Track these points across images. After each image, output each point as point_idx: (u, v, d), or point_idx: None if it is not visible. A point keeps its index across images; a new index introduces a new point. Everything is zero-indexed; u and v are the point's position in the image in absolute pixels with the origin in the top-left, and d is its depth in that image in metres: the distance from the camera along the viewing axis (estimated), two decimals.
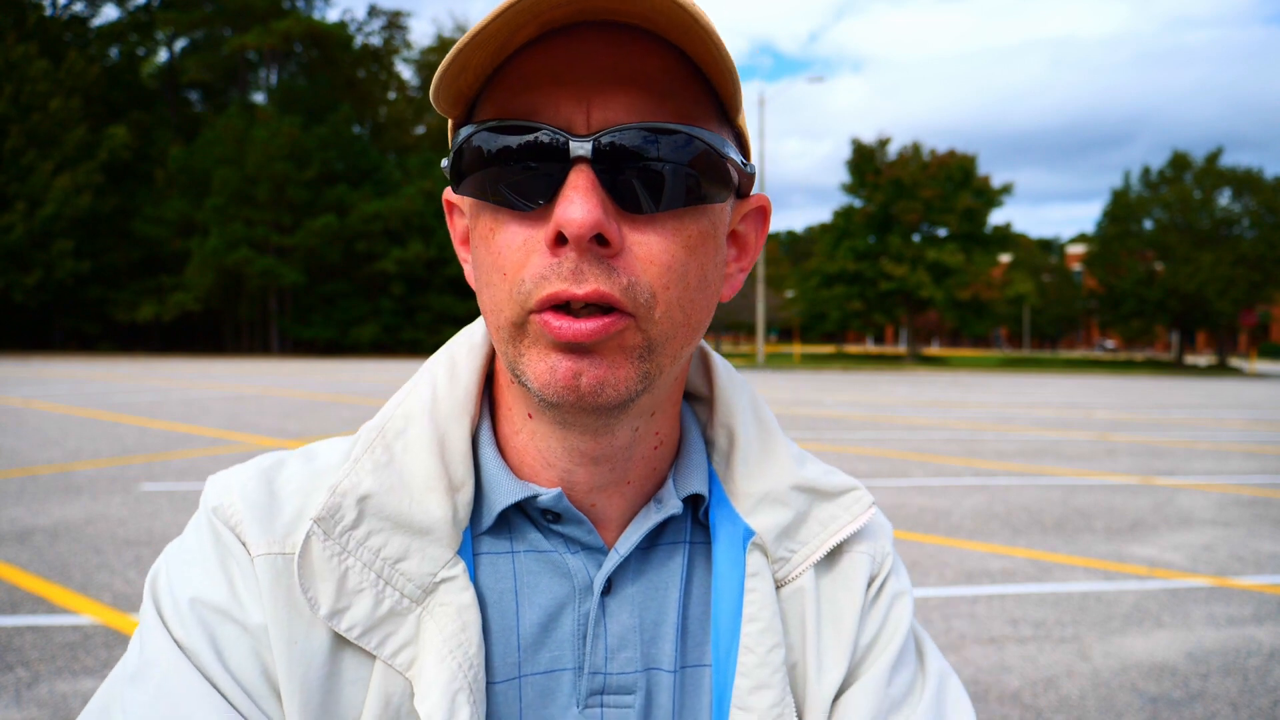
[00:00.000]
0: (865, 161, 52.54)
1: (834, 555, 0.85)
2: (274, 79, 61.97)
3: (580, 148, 0.66)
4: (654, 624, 0.81)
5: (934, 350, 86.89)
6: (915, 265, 49.60)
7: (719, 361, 0.90)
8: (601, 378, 0.69)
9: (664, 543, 0.83)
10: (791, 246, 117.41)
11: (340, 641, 0.72)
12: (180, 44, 62.65)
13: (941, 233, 51.52)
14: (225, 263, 49.11)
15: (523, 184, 0.68)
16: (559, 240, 0.67)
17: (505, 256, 0.69)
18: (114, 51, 58.46)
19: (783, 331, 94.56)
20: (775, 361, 47.75)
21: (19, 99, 48.23)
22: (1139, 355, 74.75)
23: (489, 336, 0.84)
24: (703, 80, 0.70)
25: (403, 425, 0.79)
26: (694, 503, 0.84)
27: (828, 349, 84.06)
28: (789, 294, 62.66)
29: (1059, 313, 78.84)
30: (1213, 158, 49.63)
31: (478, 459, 0.81)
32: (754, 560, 0.81)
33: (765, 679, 0.77)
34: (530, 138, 0.67)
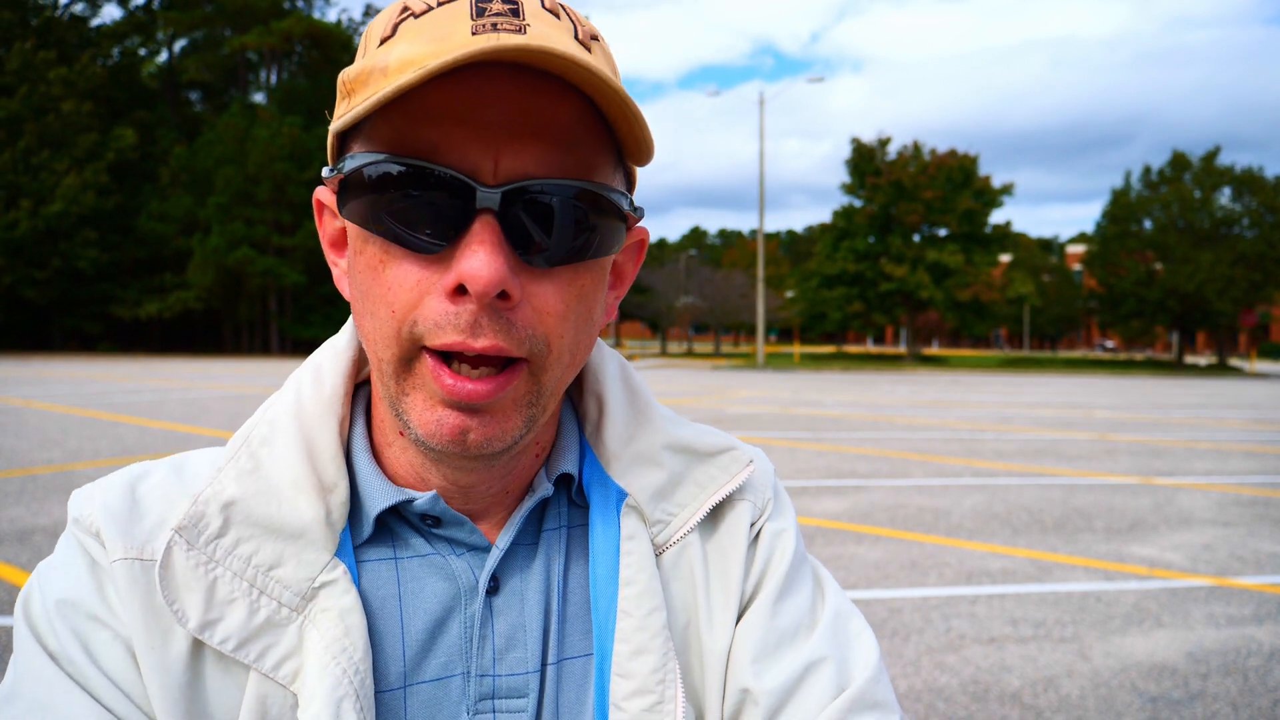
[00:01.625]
0: (865, 162, 52.53)
1: (717, 513, 0.83)
2: (274, 79, 61.98)
3: (488, 198, 0.64)
4: (542, 618, 0.79)
5: (934, 350, 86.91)
6: (915, 266, 49.59)
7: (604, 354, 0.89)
8: (489, 435, 0.69)
9: (546, 530, 0.81)
10: (791, 247, 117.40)
11: (201, 648, 0.69)
12: (180, 44, 62.68)
13: (942, 233, 51.53)
14: (226, 262, 49.15)
15: (420, 225, 0.66)
16: (459, 290, 0.65)
17: (395, 294, 0.67)
18: (115, 52, 58.49)
19: (783, 332, 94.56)
20: (775, 362, 47.75)
21: (32, 100, 48.42)
22: (1139, 355, 74.75)
23: (354, 344, 0.82)
24: (604, 126, 0.69)
25: (267, 432, 0.78)
26: (567, 483, 0.83)
27: (828, 349, 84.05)
28: (789, 294, 62.65)
29: (1059, 313, 78.88)
30: (1210, 157, 49.60)
31: (352, 466, 0.79)
32: (629, 523, 0.79)
33: (644, 643, 0.75)
34: (432, 179, 0.65)
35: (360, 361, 0.83)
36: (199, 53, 61.64)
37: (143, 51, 60.67)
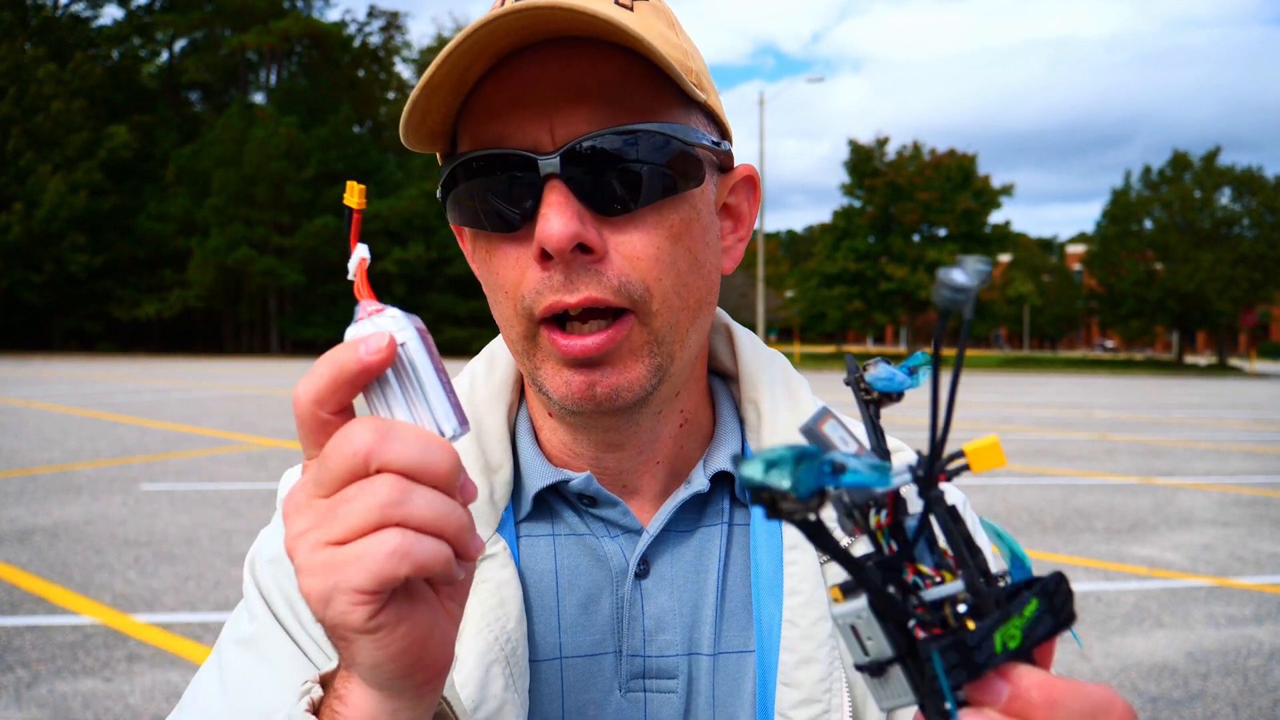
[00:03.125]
0: (863, 163, 52.54)
1: None
2: (274, 79, 61.98)
3: (549, 164, 0.70)
4: (694, 607, 0.81)
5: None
6: (916, 266, 49.61)
7: (743, 338, 0.91)
8: (615, 385, 0.73)
9: (704, 525, 0.84)
10: (791, 246, 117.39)
11: None
12: (180, 44, 62.67)
13: (941, 233, 51.53)
14: (226, 262, 49.13)
15: (504, 207, 0.72)
16: (544, 256, 0.70)
17: (503, 276, 0.74)
18: (115, 53, 58.48)
19: (783, 331, 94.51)
20: None
21: (23, 100, 48.32)
22: (1139, 355, 74.75)
23: None
24: (658, 72, 0.72)
25: None
26: (729, 482, 0.85)
27: (828, 349, 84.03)
28: (789, 294, 62.64)
29: (1059, 313, 78.89)
30: (1210, 157, 49.60)
31: (516, 447, 0.84)
32: (791, 532, 0.81)
33: (811, 653, 0.77)
34: (502, 162, 0.71)
35: None
36: (199, 53, 61.62)
37: (143, 52, 60.66)
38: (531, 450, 0.83)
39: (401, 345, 0.55)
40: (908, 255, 50.08)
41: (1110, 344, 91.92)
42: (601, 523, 0.82)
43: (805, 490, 0.35)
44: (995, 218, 52.15)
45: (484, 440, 0.82)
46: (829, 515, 0.43)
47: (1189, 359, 62.52)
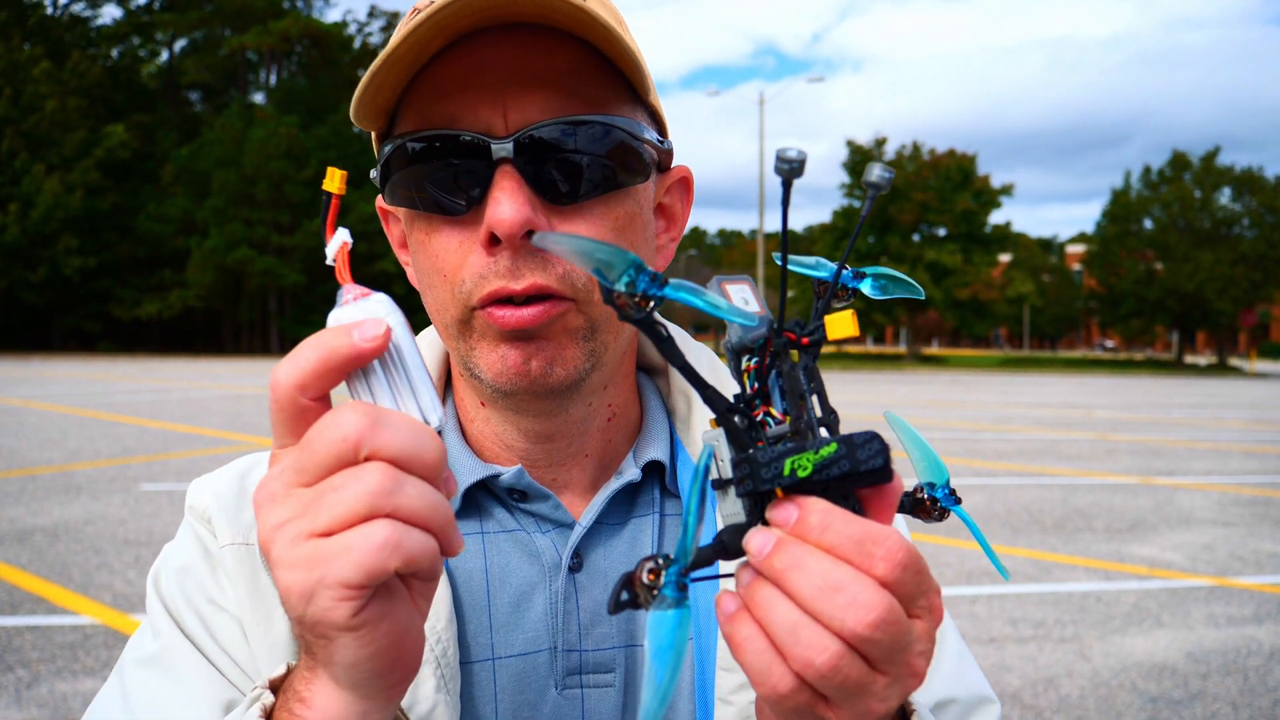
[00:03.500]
0: (862, 163, 52.52)
1: None
2: (274, 79, 61.98)
3: (501, 149, 0.69)
4: None
5: (934, 350, 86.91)
6: (914, 265, 49.59)
7: (672, 330, 0.91)
8: (550, 359, 0.73)
9: (636, 516, 0.83)
10: (791, 247, 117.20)
11: None
12: (180, 44, 62.68)
13: (941, 233, 51.53)
14: (226, 262, 49.13)
15: (451, 190, 0.71)
16: (493, 240, 0.70)
17: (443, 259, 0.73)
18: (115, 52, 58.48)
19: None
20: None
21: (19, 100, 48.27)
22: (1139, 355, 74.73)
23: None
24: (611, 67, 0.73)
25: None
26: (659, 472, 0.85)
27: (828, 349, 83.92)
28: (789, 294, 62.64)
29: (1059, 312, 78.85)
30: (1210, 157, 49.61)
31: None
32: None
33: None
34: (453, 145, 0.70)
35: None
36: (198, 53, 61.62)
37: (142, 52, 60.65)
38: (459, 447, 0.82)
39: (390, 331, 0.54)
40: (905, 255, 50.07)
41: (1110, 344, 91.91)
42: (532, 518, 0.81)
43: (631, 289, 0.43)
44: (995, 218, 52.13)
45: None
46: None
47: (1189, 359, 62.52)
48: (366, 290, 0.55)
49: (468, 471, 0.80)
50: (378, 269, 52.17)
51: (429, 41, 0.68)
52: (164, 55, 63.04)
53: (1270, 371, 49.14)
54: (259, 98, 62.31)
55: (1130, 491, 9.54)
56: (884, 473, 0.48)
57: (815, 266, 0.57)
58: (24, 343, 54.17)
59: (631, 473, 0.82)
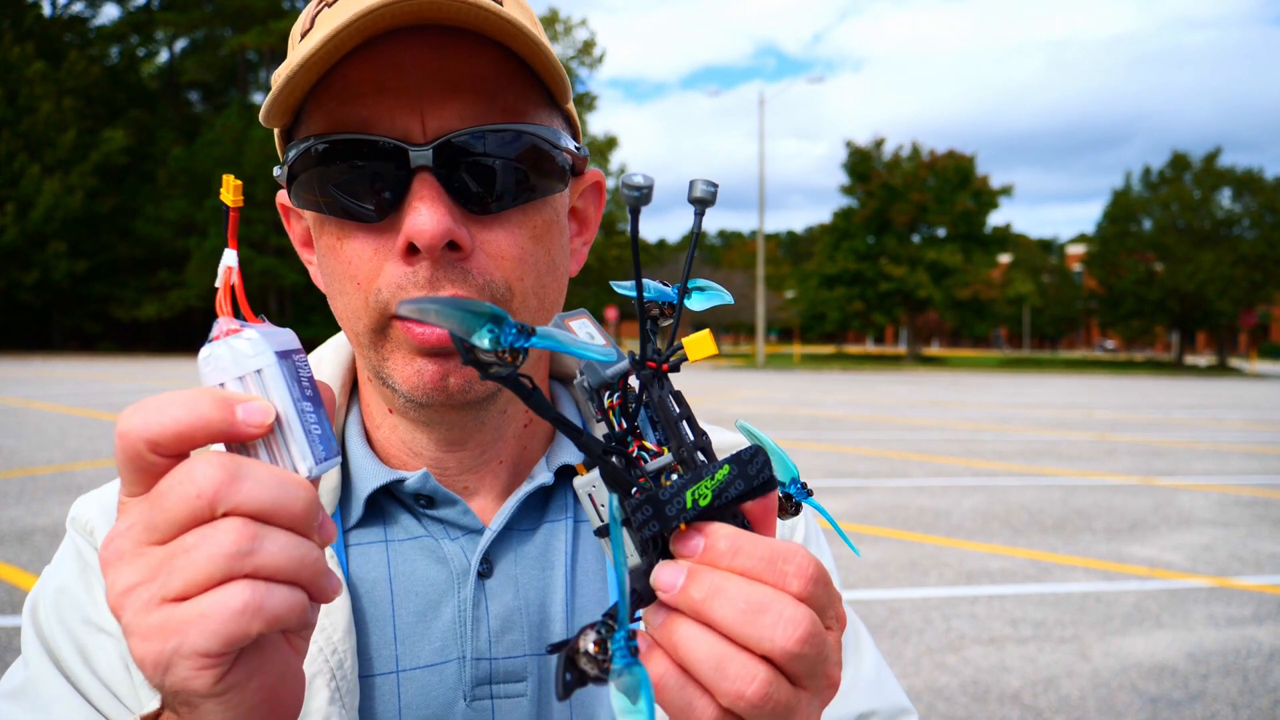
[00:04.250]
0: (861, 164, 52.56)
1: None
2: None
3: (420, 156, 0.67)
4: (540, 605, 0.78)
5: (934, 350, 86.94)
6: (914, 266, 49.61)
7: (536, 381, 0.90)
8: (469, 374, 0.71)
9: (548, 520, 0.81)
10: (791, 247, 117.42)
11: None
12: (180, 44, 62.70)
13: (940, 233, 51.54)
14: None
15: (365, 196, 0.68)
16: (410, 250, 0.67)
17: (356, 266, 0.70)
18: (115, 52, 58.50)
19: (783, 332, 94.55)
20: (775, 362, 47.74)
21: (15, 101, 48.26)
22: (1139, 355, 74.77)
23: None
24: (527, 71, 0.71)
25: None
26: (573, 477, 0.82)
27: (828, 349, 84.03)
28: (789, 294, 62.65)
29: (1059, 313, 78.86)
30: (1210, 158, 49.63)
31: (345, 450, 0.81)
32: None
33: None
34: (368, 149, 0.67)
35: None
36: (199, 53, 61.63)
37: (142, 52, 60.67)
38: (363, 451, 0.79)
39: (258, 373, 0.49)
40: (902, 255, 50.08)
41: (1110, 344, 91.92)
42: (440, 524, 0.79)
43: (495, 344, 0.40)
44: (995, 218, 52.21)
45: None
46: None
47: (1189, 359, 62.51)
48: (237, 325, 0.51)
49: (371, 476, 0.77)
50: None
51: (345, 41, 0.65)
52: (164, 55, 63.08)
53: (1270, 372, 49.14)
54: (259, 98, 62.31)
55: (1130, 492, 9.53)
56: (772, 483, 0.48)
57: (635, 289, 0.55)
58: (24, 343, 54.18)
59: (544, 477, 0.80)
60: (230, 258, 0.53)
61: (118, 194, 51.71)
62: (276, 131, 0.74)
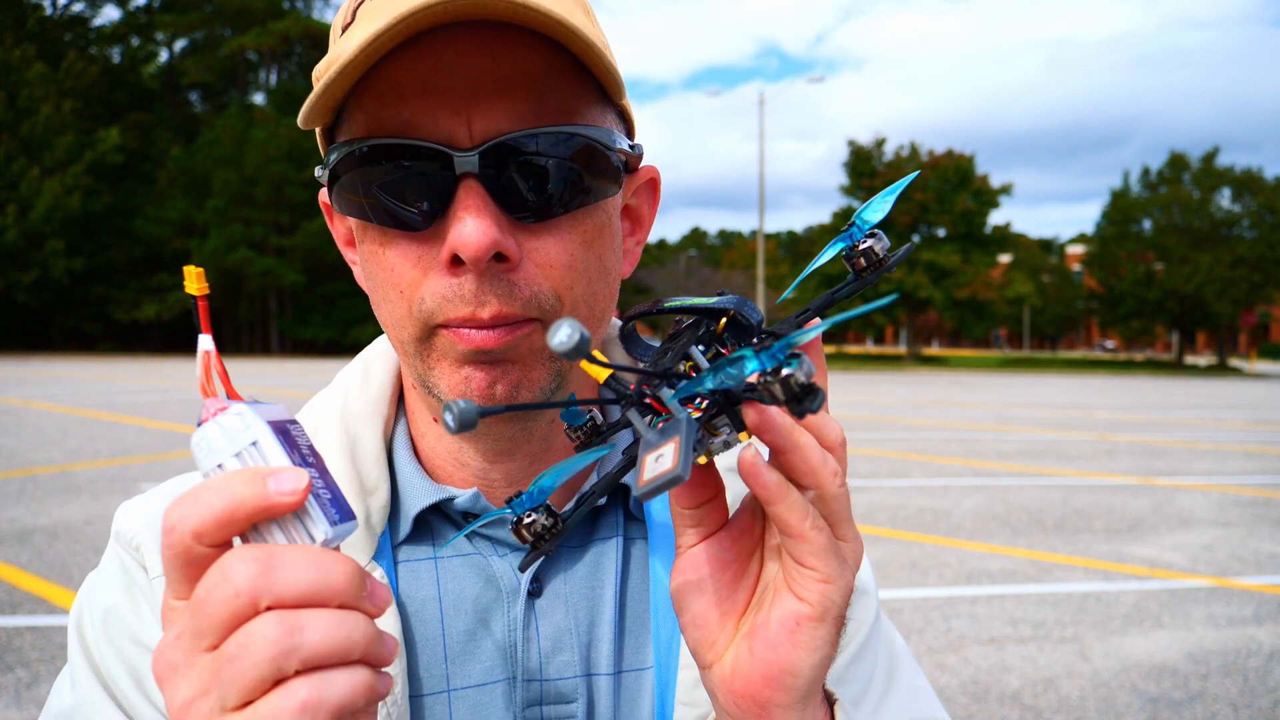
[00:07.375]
0: (862, 163, 52.57)
1: None
2: (273, 80, 62.01)
3: (466, 162, 0.63)
4: (589, 625, 0.76)
5: (934, 350, 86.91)
6: (913, 266, 49.61)
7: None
8: (516, 382, 0.68)
9: (598, 539, 0.79)
10: (791, 247, 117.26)
11: None
12: (180, 45, 62.71)
13: (940, 233, 51.55)
14: (225, 263, 49.15)
15: (409, 202, 0.65)
16: (455, 261, 0.64)
17: (400, 274, 0.67)
18: (114, 52, 58.52)
19: None
20: None
21: (15, 103, 48.26)
22: (1139, 355, 74.75)
23: None
24: (579, 66, 0.67)
25: (313, 428, 0.77)
26: (623, 494, 0.80)
27: (828, 349, 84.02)
28: (789, 294, 62.63)
29: (1059, 313, 78.85)
30: (1209, 158, 49.63)
31: (394, 464, 0.78)
32: None
33: None
34: (411, 154, 0.64)
35: None
36: (198, 54, 61.65)
37: (141, 53, 60.66)
38: (411, 466, 0.77)
39: (253, 445, 0.48)
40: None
41: (1110, 344, 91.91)
42: (488, 540, 0.76)
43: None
44: (995, 218, 52.19)
45: (359, 459, 0.76)
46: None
47: (1189, 359, 62.52)
48: (224, 403, 0.50)
49: (420, 495, 0.76)
50: None
51: (388, 40, 0.62)
52: (164, 56, 63.07)
53: (1270, 372, 49.13)
54: (259, 98, 62.33)
55: (1130, 492, 9.54)
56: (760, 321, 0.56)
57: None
58: (24, 343, 54.18)
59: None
60: (206, 342, 0.52)
61: (116, 194, 51.69)
62: (318, 130, 0.72)
